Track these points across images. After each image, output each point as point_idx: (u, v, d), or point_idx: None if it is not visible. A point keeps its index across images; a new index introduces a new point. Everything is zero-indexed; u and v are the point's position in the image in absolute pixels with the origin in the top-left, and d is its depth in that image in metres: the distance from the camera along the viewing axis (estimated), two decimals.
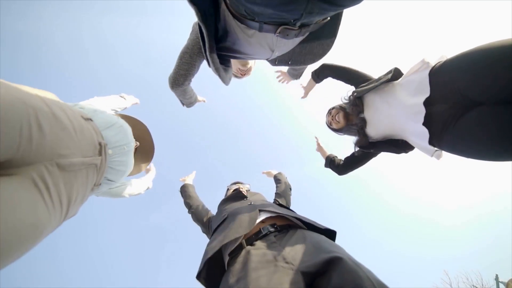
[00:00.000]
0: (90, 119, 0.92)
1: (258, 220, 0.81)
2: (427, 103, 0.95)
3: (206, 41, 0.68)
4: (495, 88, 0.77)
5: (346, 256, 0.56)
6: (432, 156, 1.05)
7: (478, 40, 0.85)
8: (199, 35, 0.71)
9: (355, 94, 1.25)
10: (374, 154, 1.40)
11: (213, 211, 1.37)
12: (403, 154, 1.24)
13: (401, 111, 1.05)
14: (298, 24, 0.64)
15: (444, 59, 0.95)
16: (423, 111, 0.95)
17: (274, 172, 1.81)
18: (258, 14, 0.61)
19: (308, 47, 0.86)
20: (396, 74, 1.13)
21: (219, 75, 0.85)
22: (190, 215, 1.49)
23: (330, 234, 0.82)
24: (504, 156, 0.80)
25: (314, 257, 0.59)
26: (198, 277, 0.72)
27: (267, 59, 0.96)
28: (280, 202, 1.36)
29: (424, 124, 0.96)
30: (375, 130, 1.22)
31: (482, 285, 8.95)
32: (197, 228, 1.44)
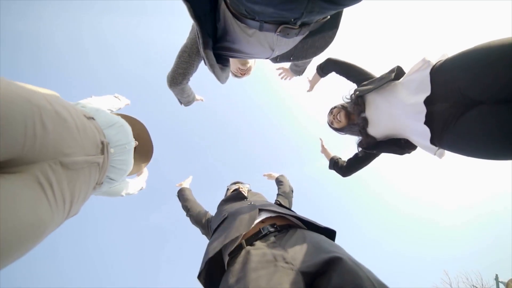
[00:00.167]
0: (93, 118, 0.92)
1: (258, 220, 0.81)
2: (428, 102, 0.94)
3: (200, 37, 0.68)
4: (495, 87, 0.77)
5: (346, 256, 0.56)
6: (434, 154, 1.05)
7: (478, 39, 0.85)
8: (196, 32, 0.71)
9: (357, 93, 1.24)
10: (377, 155, 1.39)
11: (213, 211, 1.37)
12: (406, 155, 1.23)
13: (402, 110, 1.05)
14: (299, 23, 0.64)
15: (445, 57, 0.95)
16: (424, 110, 0.95)
17: (276, 174, 1.80)
18: (258, 13, 0.61)
19: (309, 41, 0.85)
20: (398, 73, 1.13)
21: (214, 72, 0.84)
22: (188, 218, 1.50)
23: (330, 234, 0.82)
24: (504, 155, 0.80)
25: (314, 257, 0.58)
26: (199, 277, 0.72)
27: (267, 58, 0.96)
28: (281, 203, 1.36)
29: (425, 123, 0.96)
30: (376, 129, 1.22)
31: (482, 285, 8.95)
32: (197, 229, 1.44)
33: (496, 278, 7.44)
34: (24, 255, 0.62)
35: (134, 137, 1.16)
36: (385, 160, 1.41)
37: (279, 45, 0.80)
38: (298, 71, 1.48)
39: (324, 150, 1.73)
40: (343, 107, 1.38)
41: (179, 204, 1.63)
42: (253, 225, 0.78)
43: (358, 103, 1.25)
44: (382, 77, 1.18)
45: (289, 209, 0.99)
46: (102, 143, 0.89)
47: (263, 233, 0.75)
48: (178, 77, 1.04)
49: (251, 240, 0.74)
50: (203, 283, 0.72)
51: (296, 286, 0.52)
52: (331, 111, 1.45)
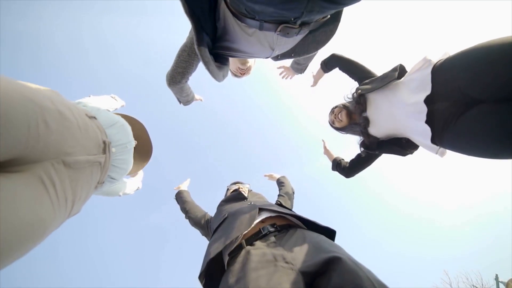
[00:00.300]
0: (94, 117, 0.92)
1: (258, 219, 0.81)
2: (428, 101, 0.94)
3: (194, 34, 0.68)
4: (495, 86, 0.77)
5: (345, 256, 0.56)
6: (436, 153, 1.05)
7: (479, 39, 0.85)
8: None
9: (359, 91, 1.23)
10: (379, 155, 1.39)
11: (213, 212, 1.37)
12: (408, 156, 1.23)
13: (402, 110, 1.05)
14: (299, 22, 0.64)
15: (446, 56, 0.95)
16: (425, 109, 0.95)
17: (277, 175, 1.80)
18: (258, 13, 0.61)
19: (310, 37, 0.84)
20: (401, 71, 1.12)
21: (209, 70, 0.83)
22: (187, 220, 1.50)
23: (330, 233, 0.82)
24: (504, 154, 0.80)
25: (314, 256, 0.58)
26: (200, 277, 0.72)
27: (267, 58, 0.96)
28: (282, 203, 1.36)
29: (426, 122, 0.96)
30: (377, 129, 1.22)
31: (482, 285, 8.96)
32: (197, 230, 1.44)
33: (496, 278, 7.44)
34: (25, 255, 0.62)
35: (133, 137, 1.16)
36: (385, 160, 1.41)
37: (279, 45, 0.80)
38: (299, 69, 1.47)
39: (326, 152, 1.73)
40: (344, 106, 1.38)
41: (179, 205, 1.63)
42: (253, 225, 0.78)
43: (360, 102, 1.24)
44: (385, 76, 1.17)
45: (289, 209, 0.99)
46: (104, 142, 0.90)
47: (263, 233, 0.75)
48: (177, 76, 1.04)
49: (251, 240, 0.74)
50: (203, 283, 0.72)
51: (296, 286, 0.52)
52: (332, 111, 1.45)
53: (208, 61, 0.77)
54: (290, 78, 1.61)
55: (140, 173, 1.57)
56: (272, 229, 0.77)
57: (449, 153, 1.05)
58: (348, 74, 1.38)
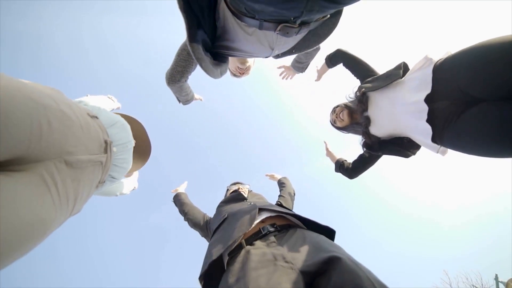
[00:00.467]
0: (96, 117, 0.92)
1: (258, 219, 0.81)
2: (428, 100, 0.94)
3: (186, 29, 0.67)
4: (495, 85, 0.77)
5: (345, 256, 0.56)
6: (437, 152, 1.04)
7: (479, 38, 0.85)
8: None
9: (363, 90, 1.22)
10: (381, 155, 1.38)
11: (212, 212, 1.37)
12: (411, 157, 1.22)
13: (403, 109, 1.05)
14: (298, 22, 0.64)
15: (448, 55, 0.95)
16: (425, 108, 0.95)
17: (278, 176, 1.80)
18: (258, 12, 0.61)
19: (311, 31, 0.83)
20: (405, 69, 1.12)
21: (202, 66, 0.81)
22: (186, 222, 1.49)
23: (330, 233, 0.82)
24: (504, 153, 0.80)
25: (314, 256, 0.58)
26: (200, 278, 0.72)
27: (266, 57, 0.96)
28: (283, 204, 1.35)
29: (427, 121, 0.96)
30: (379, 128, 1.21)
31: (482, 285, 8.95)
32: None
33: (496, 278, 7.44)
34: (25, 255, 0.62)
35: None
36: (385, 160, 1.41)
37: (278, 44, 0.79)
38: (301, 67, 1.46)
39: (329, 154, 1.72)
40: (346, 106, 1.38)
41: None
42: (253, 225, 0.78)
43: (362, 100, 1.23)
44: (389, 74, 1.16)
45: (289, 209, 0.99)
46: (106, 142, 0.90)
47: (263, 233, 0.75)
48: (177, 75, 1.04)
49: (251, 239, 0.74)
50: (203, 284, 0.72)
51: (296, 285, 0.52)
52: (333, 110, 1.44)
53: (201, 57, 0.75)
54: (291, 78, 1.60)
55: (135, 173, 1.57)
56: (272, 229, 0.77)
57: (449, 153, 1.05)
58: (351, 71, 1.38)
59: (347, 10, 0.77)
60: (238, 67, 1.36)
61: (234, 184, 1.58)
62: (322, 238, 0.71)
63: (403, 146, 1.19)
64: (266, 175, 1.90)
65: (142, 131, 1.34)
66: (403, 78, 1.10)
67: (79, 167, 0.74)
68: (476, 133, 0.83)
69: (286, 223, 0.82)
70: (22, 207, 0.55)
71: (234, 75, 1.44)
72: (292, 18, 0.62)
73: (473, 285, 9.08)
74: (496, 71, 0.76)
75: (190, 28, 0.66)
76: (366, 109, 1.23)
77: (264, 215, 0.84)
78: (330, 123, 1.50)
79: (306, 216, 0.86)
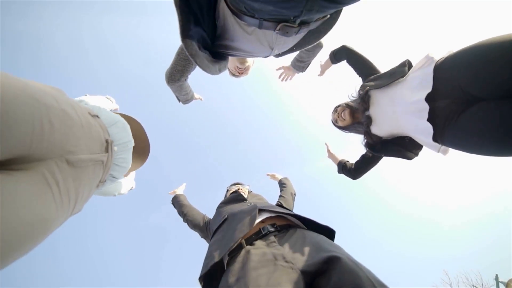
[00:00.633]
0: (97, 116, 0.92)
1: (258, 220, 0.81)
2: (429, 99, 0.94)
3: (179, 25, 0.66)
4: (495, 84, 0.77)
5: (345, 256, 0.56)
6: (438, 151, 1.04)
7: (479, 38, 0.85)
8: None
9: (366, 88, 1.21)
10: (383, 156, 1.38)
11: (212, 212, 1.37)
12: (414, 159, 1.21)
13: (404, 108, 1.04)
14: (298, 21, 0.64)
15: (449, 54, 0.94)
16: (426, 107, 0.94)
17: (279, 176, 1.80)
18: (257, 11, 0.61)
19: (311, 31, 0.82)
20: (409, 67, 1.11)
21: (197, 62, 0.80)
22: (186, 223, 1.49)
23: (330, 233, 0.82)
24: (504, 151, 0.80)
25: (314, 256, 0.58)
26: (200, 279, 0.72)
27: (266, 57, 0.96)
28: (283, 204, 1.35)
29: (428, 120, 0.96)
30: (380, 128, 1.21)
31: (482, 285, 8.95)
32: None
33: (496, 278, 7.44)
34: (26, 255, 0.62)
35: None
36: (385, 160, 1.41)
37: (278, 44, 0.79)
38: (301, 67, 1.45)
39: (330, 155, 1.71)
40: (347, 105, 1.37)
41: None
42: (253, 225, 0.78)
43: (365, 99, 1.22)
44: (393, 72, 1.15)
45: (290, 209, 0.99)
46: (107, 141, 0.90)
47: (263, 233, 0.75)
48: (176, 74, 1.04)
49: (251, 239, 0.74)
50: (203, 284, 0.72)
51: (296, 285, 0.52)
52: (335, 109, 1.44)
53: (195, 53, 0.74)
54: (290, 79, 1.59)
55: (132, 172, 1.57)
56: (272, 229, 0.77)
57: (450, 153, 1.04)
58: (354, 68, 1.37)
59: (347, 10, 0.77)
60: (237, 66, 1.36)
61: (234, 184, 1.58)
62: (322, 238, 0.71)
63: (405, 146, 1.19)
64: (267, 175, 1.90)
65: (141, 130, 1.34)
66: (404, 77, 1.10)
67: (81, 166, 0.74)
68: (476, 131, 0.83)
69: (286, 223, 0.82)
70: (22, 206, 0.55)
71: (233, 74, 1.43)
72: (291, 18, 0.62)
73: (473, 285, 9.09)
74: (496, 70, 0.76)
75: (183, 23, 0.65)
76: (367, 108, 1.22)
77: (264, 216, 0.84)
78: (331, 123, 1.49)
79: (306, 216, 0.86)
